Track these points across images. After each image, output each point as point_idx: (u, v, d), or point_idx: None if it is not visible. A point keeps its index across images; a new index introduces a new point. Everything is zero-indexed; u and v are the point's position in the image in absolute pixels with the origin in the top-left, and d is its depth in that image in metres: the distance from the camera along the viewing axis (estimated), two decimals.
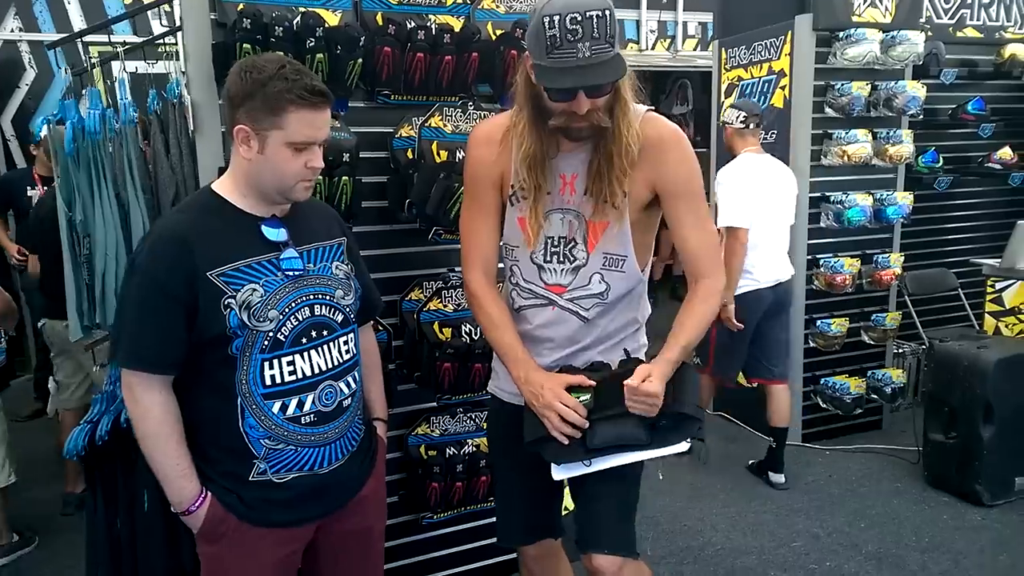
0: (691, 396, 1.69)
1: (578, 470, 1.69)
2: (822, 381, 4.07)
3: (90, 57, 2.63)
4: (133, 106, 2.60)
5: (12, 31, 5.58)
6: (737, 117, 3.61)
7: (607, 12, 1.44)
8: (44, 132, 2.49)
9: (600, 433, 1.64)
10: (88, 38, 4.16)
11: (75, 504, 3.42)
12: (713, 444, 4.13)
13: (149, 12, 5.24)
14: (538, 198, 1.68)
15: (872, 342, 4.14)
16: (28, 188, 4.52)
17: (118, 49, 2.55)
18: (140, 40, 2.94)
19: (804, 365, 4.07)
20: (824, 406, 4.08)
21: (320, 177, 2.13)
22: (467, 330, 2.40)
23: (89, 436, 2.14)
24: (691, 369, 1.76)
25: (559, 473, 1.71)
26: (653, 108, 1.72)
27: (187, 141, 2.44)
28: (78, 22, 5.64)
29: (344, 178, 2.18)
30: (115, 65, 2.66)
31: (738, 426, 4.43)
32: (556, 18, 1.43)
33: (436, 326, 2.40)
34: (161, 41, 2.85)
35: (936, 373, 3.56)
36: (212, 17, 2.14)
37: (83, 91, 2.73)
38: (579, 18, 1.42)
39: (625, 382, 1.61)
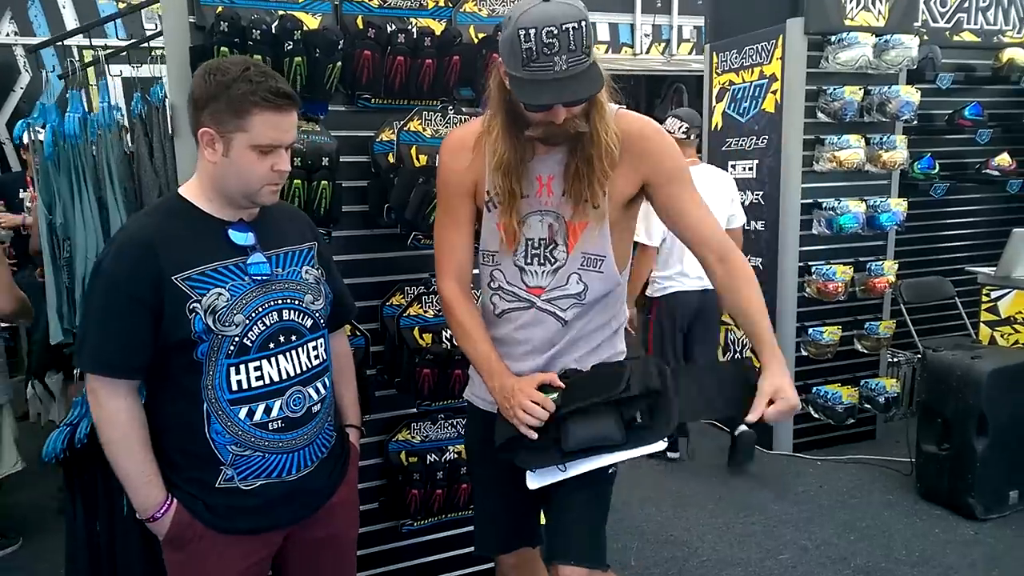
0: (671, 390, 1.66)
1: (553, 476, 1.66)
2: (814, 390, 4.04)
3: (73, 60, 2.61)
4: (118, 109, 2.60)
5: (7, 35, 5.59)
6: (679, 127, 3.67)
7: (583, 23, 1.42)
8: (25, 135, 2.47)
9: (574, 435, 1.60)
10: (81, 42, 4.16)
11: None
12: (703, 452, 4.10)
13: (144, 16, 5.25)
14: (513, 203, 1.67)
15: (865, 351, 4.11)
16: (20, 190, 4.56)
17: (99, 53, 2.54)
18: (124, 44, 2.92)
19: (795, 374, 4.02)
20: (816, 416, 4.05)
21: (299, 181, 2.12)
22: (447, 336, 2.37)
23: (68, 439, 2.13)
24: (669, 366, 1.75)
25: (534, 481, 1.68)
26: (625, 106, 1.70)
27: (171, 144, 2.42)
28: (72, 26, 5.64)
29: (323, 182, 2.16)
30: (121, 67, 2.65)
31: (729, 435, 4.37)
32: (532, 31, 1.41)
33: (416, 332, 2.38)
34: (147, 44, 2.83)
35: (929, 383, 3.51)
36: (191, 20, 2.12)
37: (67, 94, 2.72)
38: (555, 31, 1.40)
39: (760, 413, 1.55)
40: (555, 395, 1.64)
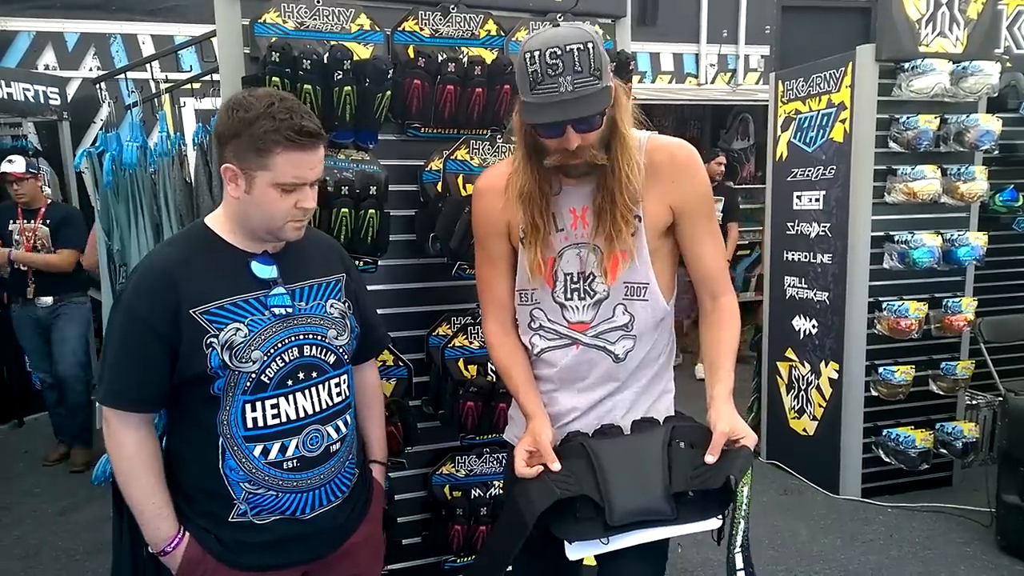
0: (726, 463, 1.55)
1: (595, 548, 1.54)
2: (884, 432, 3.80)
3: (136, 91, 2.70)
4: (180, 138, 2.66)
5: (90, 69, 5.88)
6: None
7: (590, 45, 1.40)
8: (84, 164, 2.55)
9: (620, 508, 1.50)
10: (157, 75, 4.33)
11: None
12: (766, 494, 3.91)
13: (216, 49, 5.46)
14: (537, 236, 1.62)
15: (941, 392, 3.86)
16: (10, 222, 4.20)
17: (160, 85, 2.62)
18: (188, 76, 3.02)
19: (865, 415, 3.81)
20: (887, 459, 3.81)
21: (347, 210, 2.12)
22: (492, 368, 2.32)
23: None
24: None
25: (574, 552, 1.55)
26: (655, 130, 1.67)
27: None
28: None
29: (371, 211, 2.16)
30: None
31: (793, 476, 4.18)
32: (536, 53, 1.41)
33: (461, 363, 2.34)
34: (209, 77, 2.91)
35: (1011, 428, 3.27)
36: (246, 51, 2.16)
37: (132, 122, 2.81)
38: (559, 52, 1.39)
39: (719, 451, 1.53)
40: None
